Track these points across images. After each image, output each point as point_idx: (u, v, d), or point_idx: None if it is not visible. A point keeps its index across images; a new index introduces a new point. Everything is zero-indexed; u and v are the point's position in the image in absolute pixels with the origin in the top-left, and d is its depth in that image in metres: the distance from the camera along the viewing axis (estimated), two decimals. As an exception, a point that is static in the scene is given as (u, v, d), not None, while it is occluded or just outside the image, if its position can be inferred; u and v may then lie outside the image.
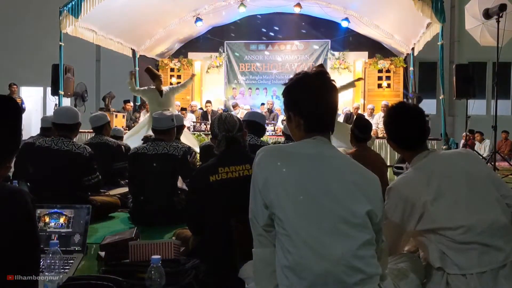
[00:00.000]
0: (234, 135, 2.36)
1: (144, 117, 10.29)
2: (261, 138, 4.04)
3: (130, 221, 3.71)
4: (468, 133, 7.93)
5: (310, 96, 1.50)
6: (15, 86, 10.45)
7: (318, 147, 1.49)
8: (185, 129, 8.03)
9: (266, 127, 3.72)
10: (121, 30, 9.68)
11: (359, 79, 8.23)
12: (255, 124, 3.91)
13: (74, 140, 3.71)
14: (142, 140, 4.34)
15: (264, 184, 1.43)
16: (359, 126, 3.58)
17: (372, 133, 9.54)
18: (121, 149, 4.88)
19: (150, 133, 4.82)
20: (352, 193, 1.42)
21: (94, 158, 3.67)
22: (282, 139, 7.29)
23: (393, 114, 2.00)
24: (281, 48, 12.61)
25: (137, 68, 11.04)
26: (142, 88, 7.38)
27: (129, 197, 3.99)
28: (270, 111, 10.91)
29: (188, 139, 6.99)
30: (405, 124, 1.94)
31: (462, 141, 9.91)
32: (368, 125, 3.70)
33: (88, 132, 9.09)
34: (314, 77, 1.52)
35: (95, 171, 3.68)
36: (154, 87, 6.89)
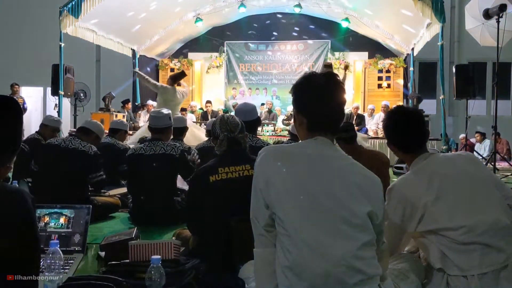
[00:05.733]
0: (236, 136, 2.36)
1: (144, 117, 10.31)
2: (261, 138, 4.02)
3: (130, 221, 3.71)
4: (466, 136, 7.95)
5: (313, 95, 1.51)
6: (17, 86, 10.40)
7: (319, 148, 1.49)
8: (192, 123, 8.05)
9: (258, 117, 3.66)
10: (121, 30, 9.68)
11: (346, 67, 8.47)
12: (246, 124, 3.88)
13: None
14: (138, 142, 4.35)
15: (265, 184, 1.43)
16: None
17: (372, 133, 9.59)
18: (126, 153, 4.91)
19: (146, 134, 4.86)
20: (353, 193, 1.42)
21: (99, 156, 3.75)
22: (282, 139, 7.30)
23: (392, 117, 2.01)
24: (281, 48, 12.61)
25: (137, 68, 11.04)
26: (164, 86, 7.05)
27: (129, 197, 3.99)
28: (270, 111, 10.92)
29: (194, 135, 7.02)
30: (405, 127, 1.94)
31: (462, 142, 9.92)
32: (349, 123, 3.70)
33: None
34: (321, 77, 1.53)
35: (99, 169, 3.76)
36: (171, 86, 6.86)
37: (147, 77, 7.28)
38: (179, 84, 7.21)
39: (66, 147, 3.66)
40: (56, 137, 4.73)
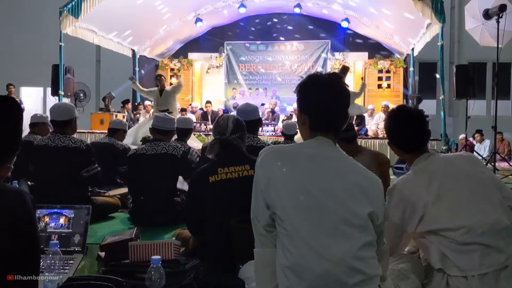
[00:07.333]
0: (227, 138, 2.35)
1: (143, 117, 10.31)
2: (261, 138, 4.02)
3: (130, 222, 3.71)
4: (466, 136, 7.96)
5: (316, 95, 1.52)
6: (12, 87, 10.32)
7: (320, 148, 1.49)
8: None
9: (259, 118, 3.66)
10: (121, 30, 9.69)
11: (363, 81, 8.44)
12: (247, 124, 3.89)
13: (74, 136, 3.71)
14: (140, 141, 4.34)
15: (266, 184, 1.44)
16: None
17: (372, 134, 9.58)
18: (126, 153, 4.88)
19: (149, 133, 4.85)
20: (354, 194, 1.42)
21: (91, 150, 3.65)
22: (280, 139, 7.31)
23: (394, 117, 2.01)
24: (281, 49, 12.61)
25: (137, 69, 11.04)
26: (146, 90, 7.71)
27: (129, 197, 3.99)
28: (273, 111, 10.91)
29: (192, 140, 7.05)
30: (406, 127, 1.94)
31: (462, 142, 9.92)
32: (349, 123, 3.69)
33: (88, 132, 9.11)
34: (325, 78, 1.54)
35: (93, 163, 3.64)
36: (158, 87, 7.06)
37: (141, 88, 7.47)
38: (160, 82, 7.47)
39: (56, 146, 3.53)
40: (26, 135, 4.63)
